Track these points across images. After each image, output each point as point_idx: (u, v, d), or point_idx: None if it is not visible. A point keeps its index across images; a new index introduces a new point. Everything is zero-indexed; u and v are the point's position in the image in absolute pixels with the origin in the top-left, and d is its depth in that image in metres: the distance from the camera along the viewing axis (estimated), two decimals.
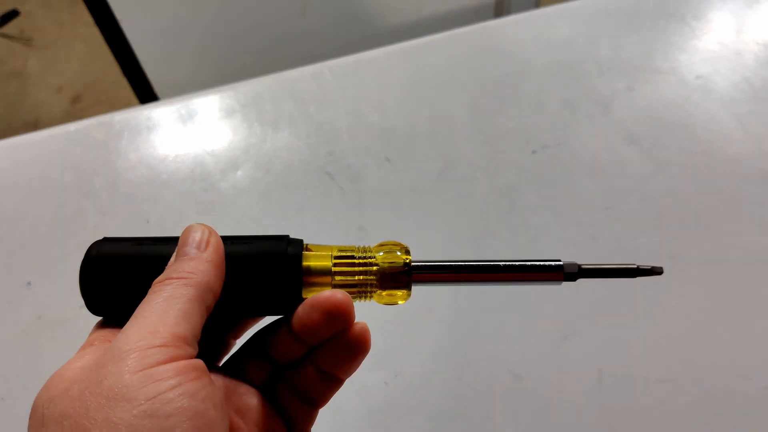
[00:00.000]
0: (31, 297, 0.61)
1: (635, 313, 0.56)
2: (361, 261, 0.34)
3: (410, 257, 0.34)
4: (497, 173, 0.63)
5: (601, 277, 0.37)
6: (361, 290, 0.34)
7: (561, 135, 0.65)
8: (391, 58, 0.75)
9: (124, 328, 0.28)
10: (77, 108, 1.85)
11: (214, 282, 0.30)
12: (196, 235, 0.32)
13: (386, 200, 0.63)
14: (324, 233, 0.62)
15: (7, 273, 0.62)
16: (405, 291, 0.34)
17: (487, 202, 0.62)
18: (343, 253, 0.34)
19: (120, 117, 0.72)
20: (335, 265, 0.33)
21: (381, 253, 0.34)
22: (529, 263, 0.35)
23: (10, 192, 0.66)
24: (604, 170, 0.63)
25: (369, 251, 0.34)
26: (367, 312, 0.56)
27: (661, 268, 0.36)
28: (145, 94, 1.15)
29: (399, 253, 0.34)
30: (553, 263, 0.36)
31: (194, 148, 0.68)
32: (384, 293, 0.34)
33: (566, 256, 0.58)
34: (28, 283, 0.62)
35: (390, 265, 0.34)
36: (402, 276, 0.34)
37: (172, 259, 0.31)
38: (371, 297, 0.34)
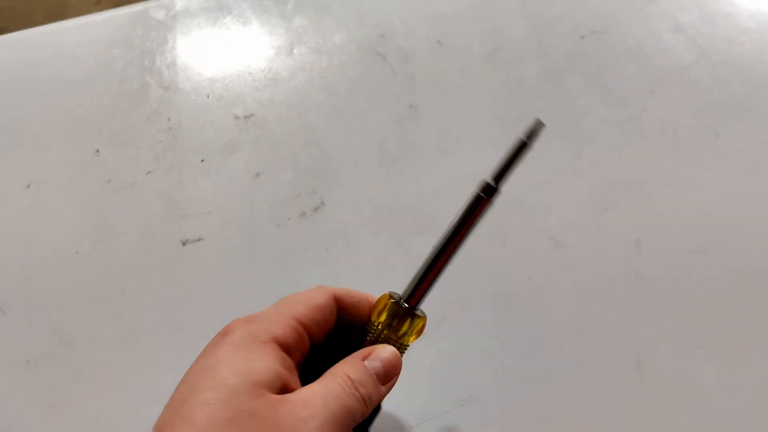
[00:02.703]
0: (100, 163, 0.65)
1: (673, 187, 0.58)
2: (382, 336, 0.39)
3: (391, 300, 0.39)
4: (545, 57, 0.65)
5: (508, 170, 0.40)
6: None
7: (608, 22, 0.67)
8: None
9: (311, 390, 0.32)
10: (99, 8, 1.87)
11: (366, 412, 0.34)
12: (390, 367, 0.36)
13: (436, 81, 0.65)
14: (376, 110, 0.65)
15: (76, 141, 0.66)
16: (416, 323, 0.40)
17: (534, 83, 0.64)
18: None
19: None
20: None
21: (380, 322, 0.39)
22: (464, 214, 0.39)
23: (77, 67, 0.70)
24: (649, 56, 0.64)
25: (376, 327, 0.39)
26: (418, 184, 0.59)
27: (539, 120, 0.37)
28: None
29: (385, 308, 0.39)
30: (475, 198, 0.39)
31: (250, 29, 0.71)
32: (412, 335, 0.40)
33: (611, 133, 0.60)
34: (97, 151, 0.65)
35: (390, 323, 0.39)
36: (403, 317, 0.39)
37: (367, 355, 0.36)
38: (407, 342, 0.40)
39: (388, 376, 0.36)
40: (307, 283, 0.58)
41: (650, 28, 0.66)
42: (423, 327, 0.40)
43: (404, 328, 0.39)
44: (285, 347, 0.34)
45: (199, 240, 0.61)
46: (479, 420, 0.53)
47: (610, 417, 0.52)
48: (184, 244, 0.61)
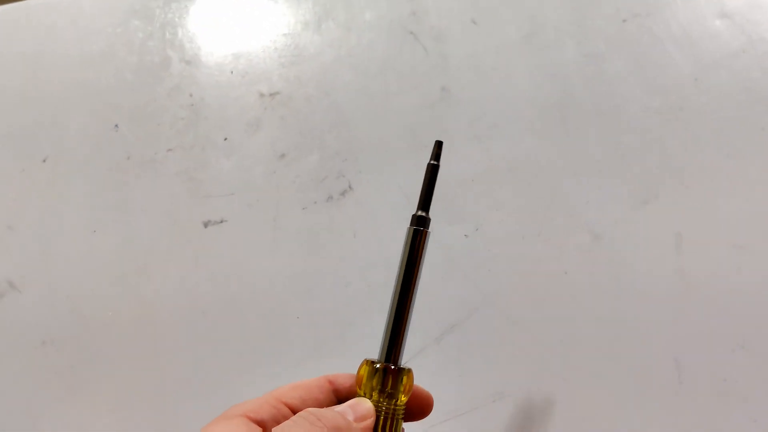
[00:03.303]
0: (119, 139, 0.63)
1: (717, 181, 0.56)
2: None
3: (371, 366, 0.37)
4: (585, 40, 0.62)
5: (431, 197, 0.41)
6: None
7: (651, 5, 0.64)
8: None
9: None
10: None
11: None
12: (362, 409, 0.35)
13: (470, 62, 0.63)
14: (406, 92, 0.62)
15: (94, 115, 0.64)
16: (401, 378, 0.37)
17: (573, 68, 0.61)
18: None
19: None
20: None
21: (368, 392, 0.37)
22: (410, 253, 0.39)
23: (95, 38, 0.67)
24: (695, 42, 0.61)
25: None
26: (450, 171, 0.57)
27: (438, 141, 0.41)
28: None
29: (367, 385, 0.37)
30: (413, 234, 0.39)
31: (276, 2, 0.68)
32: (401, 393, 0.37)
33: (653, 123, 0.58)
34: (116, 126, 0.63)
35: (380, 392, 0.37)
36: (387, 376, 0.37)
37: (337, 407, 0.35)
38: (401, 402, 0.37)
39: (357, 416, 0.35)
40: (333, 270, 0.56)
41: (695, 12, 0.63)
42: (411, 380, 0.37)
43: (389, 386, 0.37)
44: (257, 421, 0.35)
45: (222, 222, 0.59)
46: (511, 417, 0.51)
47: (647, 418, 0.50)
48: (206, 225, 0.59)
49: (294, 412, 0.37)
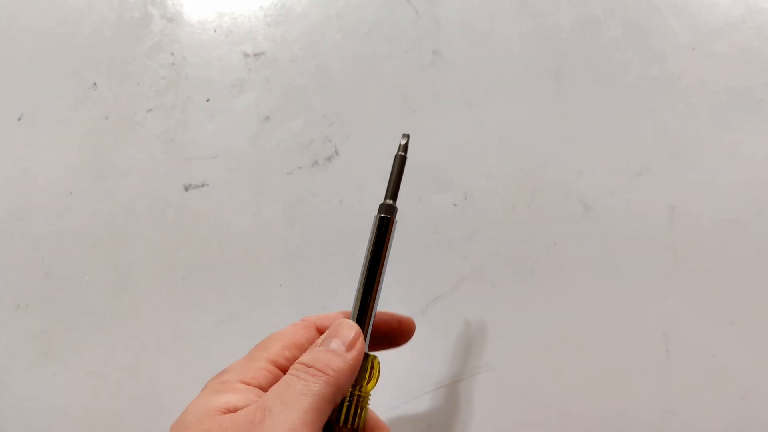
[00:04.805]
0: (98, 98, 0.60)
1: (712, 153, 0.55)
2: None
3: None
4: (581, 5, 0.60)
5: (399, 186, 0.39)
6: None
7: None
8: None
9: (266, 417, 0.29)
10: None
11: (346, 384, 0.33)
12: (347, 334, 0.34)
13: (463, 25, 0.61)
14: (396, 55, 0.60)
15: (72, 72, 0.61)
16: (368, 364, 0.36)
17: (569, 34, 0.59)
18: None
19: None
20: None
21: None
22: (376, 241, 0.38)
23: None
24: (693, 10, 0.60)
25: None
26: (439, 137, 0.55)
27: (406, 133, 0.41)
28: None
29: None
30: (381, 222, 0.38)
31: None
32: (366, 379, 0.36)
33: (649, 93, 0.56)
34: (94, 84, 0.61)
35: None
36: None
37: (319, 341, 0.34)
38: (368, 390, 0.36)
39: (349, 346, 0.34)
40: (317, 238, 0.55)
41: None
42: (377, 368, 0.37)
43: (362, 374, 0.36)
44: (257, 387, 0.34)
45: (203, 185, 0.57)
46: (494, 390, 0.50)
47: (633, 392, 0.50)
48: (186, 189, 0.57)
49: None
